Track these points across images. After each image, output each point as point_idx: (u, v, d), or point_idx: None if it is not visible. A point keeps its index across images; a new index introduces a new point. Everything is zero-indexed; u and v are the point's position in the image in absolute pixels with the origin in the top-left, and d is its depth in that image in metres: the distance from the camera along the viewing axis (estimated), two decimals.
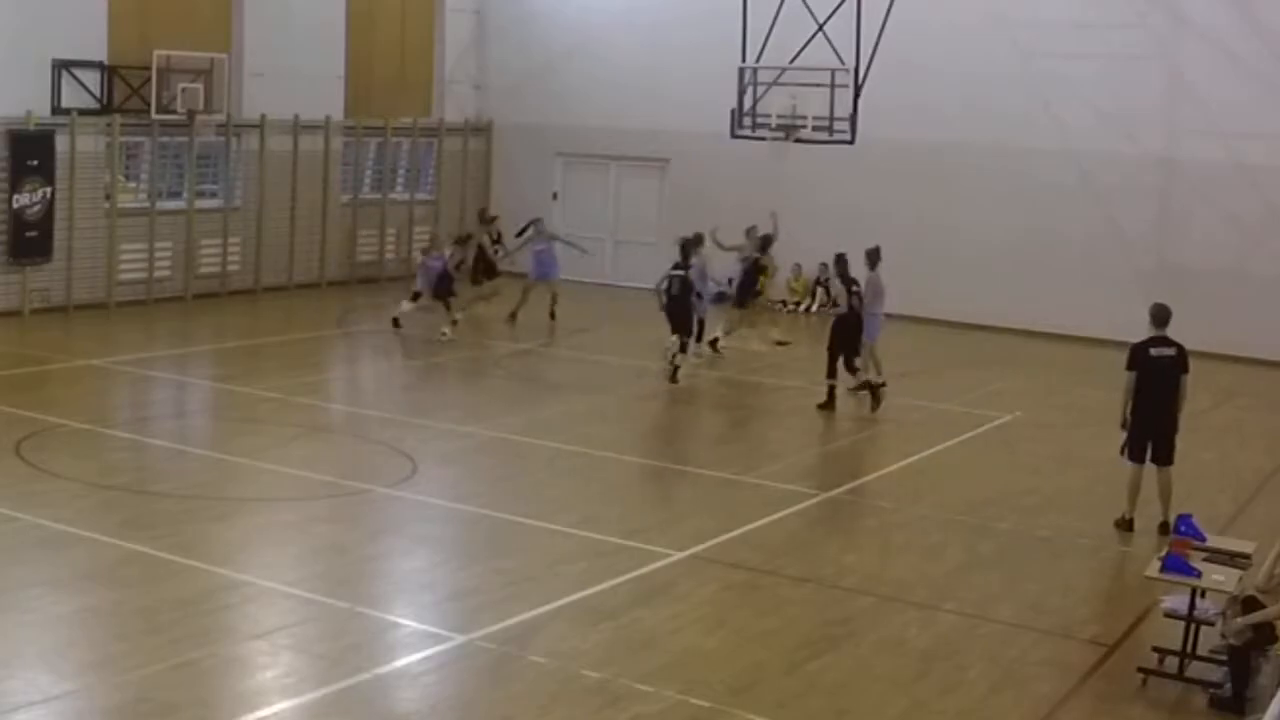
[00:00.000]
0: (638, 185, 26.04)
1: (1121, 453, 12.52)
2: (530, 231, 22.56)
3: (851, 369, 17.09)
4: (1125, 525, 12.48)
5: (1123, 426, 12.41)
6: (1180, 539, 9.74)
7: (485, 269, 21.85)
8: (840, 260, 17.36)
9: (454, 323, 20.02)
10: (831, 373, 16.91)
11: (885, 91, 20.84)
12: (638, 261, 24.51)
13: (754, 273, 20.08)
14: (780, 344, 20.73)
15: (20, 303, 20.53)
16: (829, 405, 16.88)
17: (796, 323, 23.64)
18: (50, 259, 20.76)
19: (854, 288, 17.09)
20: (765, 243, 20.21)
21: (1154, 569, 9.42)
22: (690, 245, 18.62)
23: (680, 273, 18.26)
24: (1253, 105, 21.21)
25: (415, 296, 20.62)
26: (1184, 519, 10.11)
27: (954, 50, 22.83)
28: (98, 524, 11.30)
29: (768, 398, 18.32)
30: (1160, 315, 12.43)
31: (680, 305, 18.19)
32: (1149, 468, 12.41)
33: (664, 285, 18.31)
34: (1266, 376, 20.49)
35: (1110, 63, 21.99)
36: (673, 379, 17.87)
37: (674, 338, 18.05)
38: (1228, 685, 8.87)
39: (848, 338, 16.97)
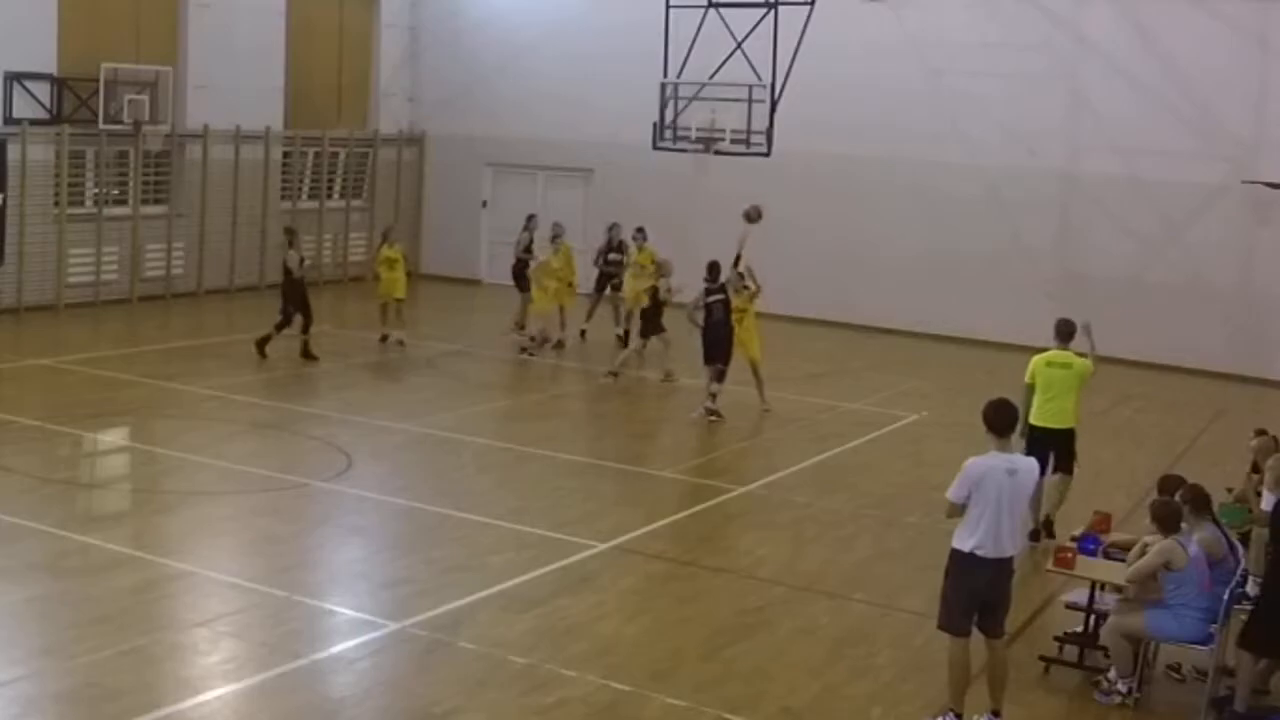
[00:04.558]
0: (563, 194, 26.24)
1: None
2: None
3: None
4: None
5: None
6: (1101, 515, 10.22)
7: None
8: None
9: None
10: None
11: (801, 107, 21.28)
12: None
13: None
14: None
15: None
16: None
17: None
18: (1, 263, 20.92)
19: None
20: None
21: (1051, 563, 9.74)
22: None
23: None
24: (1147, 122, 21.68)
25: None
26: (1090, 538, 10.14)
27: (866, 68, 23.19)
28: (45, 516, 11.47)
29: (688, 398, 18.71)
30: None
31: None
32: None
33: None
34: (1160, 380, 20.97)
35: (1015, 82, 22.44)
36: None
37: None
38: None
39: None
